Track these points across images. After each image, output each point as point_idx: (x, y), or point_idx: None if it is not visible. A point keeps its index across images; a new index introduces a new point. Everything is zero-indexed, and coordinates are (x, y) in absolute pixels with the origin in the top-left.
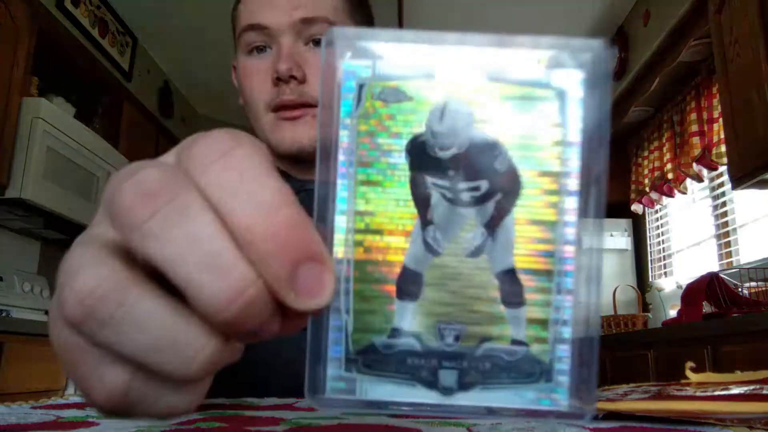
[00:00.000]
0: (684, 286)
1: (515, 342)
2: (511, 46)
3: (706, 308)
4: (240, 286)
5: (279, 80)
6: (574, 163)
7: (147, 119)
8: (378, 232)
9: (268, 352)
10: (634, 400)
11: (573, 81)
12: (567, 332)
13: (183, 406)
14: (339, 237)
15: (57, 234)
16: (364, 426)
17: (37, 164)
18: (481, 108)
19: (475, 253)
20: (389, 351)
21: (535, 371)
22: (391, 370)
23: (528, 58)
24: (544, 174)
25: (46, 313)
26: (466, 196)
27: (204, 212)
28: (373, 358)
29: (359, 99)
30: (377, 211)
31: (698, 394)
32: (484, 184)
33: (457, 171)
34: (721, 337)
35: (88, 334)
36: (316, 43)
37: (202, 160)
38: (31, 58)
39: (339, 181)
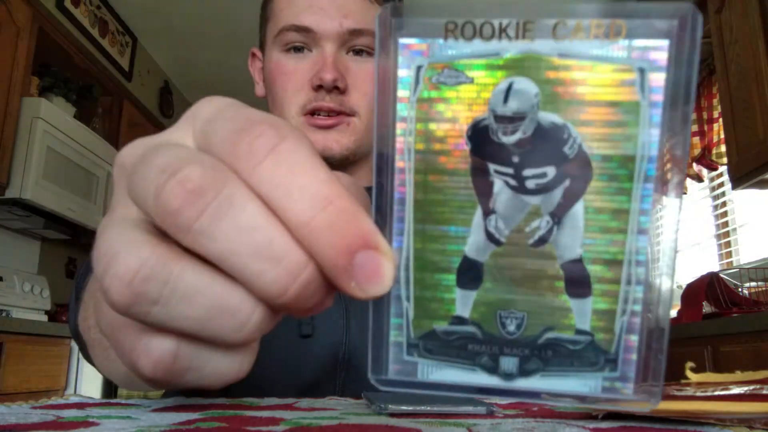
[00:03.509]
0: (684, 286)
1: (579, 332)
2: (583, 16)
3: (706, 308)
4: (294, 272)
5: (320, 87)
6: (653, 146)
7: (147, 119)
8: (438, 221)
9: (268, 354)
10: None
11: (656, 54)
12: (636, 323)
13: (233, 371)
14: (398, 226)
15: (57, 234)
16: (364, 426)
17: (37, 164)
18: (550, 88)
19: (540, 242)
20: (450, 337)
21: (599, 360)
22: (451, 355)
23: (603, 28)
24: (618, 159)
25: (47, 313)
26: (531, 184)
27: (250, 202)
28: (433, 344)
29: (416, 82)
30: (437, 200)
31: (698, 394)
32: (550, 171)
33: (521, 157)
34: (721, 337)
35: (138, 315)
36: (357, 52)
37: (250, 158)
38: (31, 58)
39: (396, 169)
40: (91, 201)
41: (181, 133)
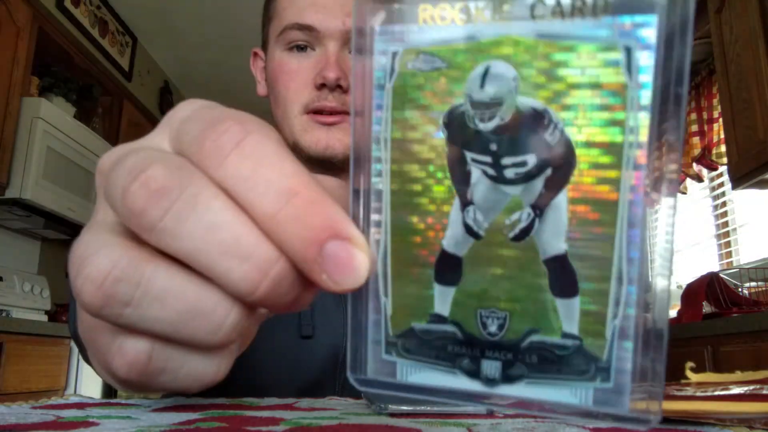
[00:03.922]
0: (684, 286)
1: (566, 335)
2: None
3: (706, 308)
4: (264, 268)
5: (323, 86)
6: (642, 132)
7: (147, 119)
8: (415, 212)
9: (269, 354)
10: None
11: (643, 30)
12: (630, 326)
13: (210, 374)
14: (375, 217)
15: (57, 234)
16: (364, 426)
17: (37, 164)
18: (529, 71)
19: (521, 236)
20: (429, 337)
21: (589, 368)
22: (431, 356)
23: (584, 4)
24: (605, 146)
25: (47, 313)
26: (510, 173)
27: (215, 199)
28: (412, 343)
29: (392, 69)
30: (414, 190)
31: (698, 394)
32: (531, 159)
33: (500, 144)
34: (721, 337)
35: (110, 317)
36: None
37: (215, 154)
38: (31, 58)
39: (373, 159)
40: (91, 201)
41: (159, 137)
